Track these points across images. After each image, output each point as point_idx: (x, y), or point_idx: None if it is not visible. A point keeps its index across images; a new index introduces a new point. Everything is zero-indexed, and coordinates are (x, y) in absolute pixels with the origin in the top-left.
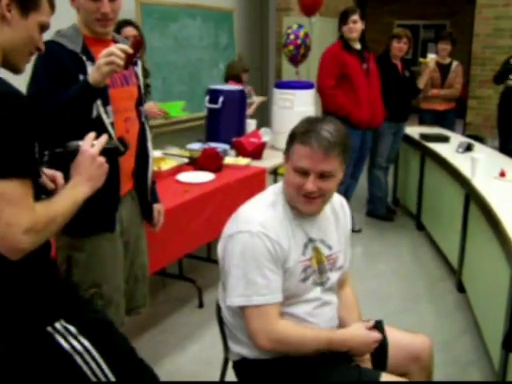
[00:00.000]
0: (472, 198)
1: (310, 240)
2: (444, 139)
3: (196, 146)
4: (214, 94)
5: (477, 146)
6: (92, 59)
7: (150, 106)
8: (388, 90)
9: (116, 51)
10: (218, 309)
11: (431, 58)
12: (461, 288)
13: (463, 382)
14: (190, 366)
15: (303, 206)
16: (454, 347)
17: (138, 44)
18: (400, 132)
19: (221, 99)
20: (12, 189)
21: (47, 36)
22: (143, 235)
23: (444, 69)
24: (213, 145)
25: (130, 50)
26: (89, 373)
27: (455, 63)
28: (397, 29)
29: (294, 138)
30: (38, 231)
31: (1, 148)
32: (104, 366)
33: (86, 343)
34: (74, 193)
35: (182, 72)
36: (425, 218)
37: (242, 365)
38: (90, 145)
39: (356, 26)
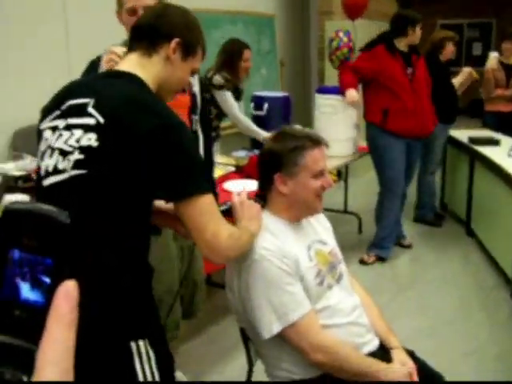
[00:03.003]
0: None
1: (310, 244)
2: (494, 142)
3: (242, 154)
4: (258, 101)
5: None
6: None
7: None
8: (438, 91)
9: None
10: (247, 347)
11: (493, 56)
12: None
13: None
14: (237, 377)
15: (319, 206)
16: (510, 360)
17: None
18: (448, 134)
19: (265, 106)
20: (212, 203)
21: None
22: None
23: (509, 68)
24: (258, 152)
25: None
26: None
27: None
28: (451, 32)
29: (301, 148)
30: (236, 239)
31: (196, 167)
32: None
33: (155, 370)
34: (248, 231)
35: None
36: (475, 224)
37: None
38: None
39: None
